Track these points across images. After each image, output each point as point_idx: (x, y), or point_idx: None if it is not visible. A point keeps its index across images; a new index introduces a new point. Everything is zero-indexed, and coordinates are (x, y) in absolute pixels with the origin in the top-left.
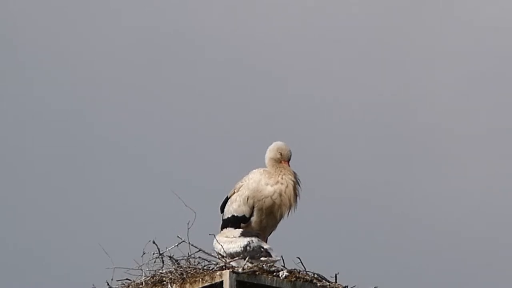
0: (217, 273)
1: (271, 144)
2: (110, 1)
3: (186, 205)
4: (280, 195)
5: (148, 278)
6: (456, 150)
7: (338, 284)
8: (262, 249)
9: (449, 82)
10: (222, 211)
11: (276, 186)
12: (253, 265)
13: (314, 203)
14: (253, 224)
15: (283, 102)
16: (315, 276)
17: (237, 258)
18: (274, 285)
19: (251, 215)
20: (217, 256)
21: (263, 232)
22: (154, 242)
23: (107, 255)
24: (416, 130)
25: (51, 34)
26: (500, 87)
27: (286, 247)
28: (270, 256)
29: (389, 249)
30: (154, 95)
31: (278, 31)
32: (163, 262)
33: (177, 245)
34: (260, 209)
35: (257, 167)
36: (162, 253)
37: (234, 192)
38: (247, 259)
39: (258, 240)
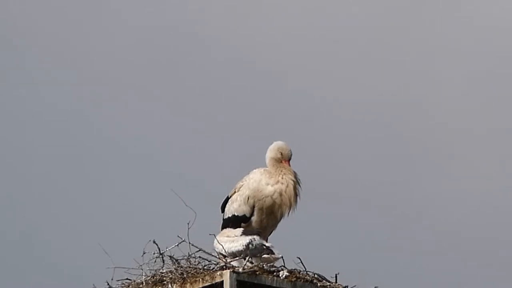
0: (218, 273)
1: (271, 143)
2: (110, 1)
3: (186, 205)
4: (281, 194)
5: (149, 278)
6: (457, 150)
7: (338, 284)
8: (264, 247)
9: (450, 81)
10: (223, 210)
11: (276, 186)
12: (253, 265)
13: (314, 203)
14: (253, 223)
15: (284, 102)
16: (315, 276)
17: (239, 257)
18: (274, 285)
19: (252, 214)
20: (217, 256)
21: (263, 232)
22: (154, 242)
23: (107, 255)
24: (416, 130)
25: (53, 35)
26: (501, 87)
27: (286, 247)
28: (273, 253)
29: (389, 249)
30: (155, 95)
31: (278, 31)
32: (163, 262)
33: (178, 245)
34: (261, 209)
35: (258, 167)
36: (163, 252)
37: (234, 192)
38: (247, 258)
39: (260, 238)
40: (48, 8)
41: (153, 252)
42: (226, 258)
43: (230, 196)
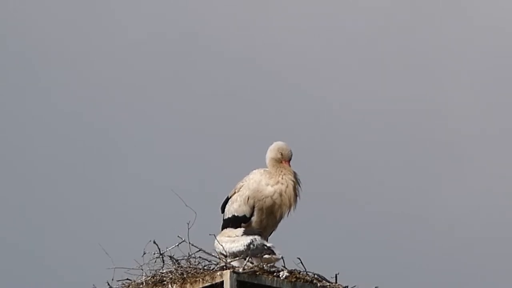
0: (218, 273)
1: (271, 144)
2: (110, 1)
3: (186, 205)
4: (280, 195)
5: (149, 278)
6: (458, 151)
7: (338, 284)
8: (266, 247)
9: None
10: (223, 211)
11: (276, 186)
12: (253, 265)
13: (314, 203)
14: (253, 224)
15: (284, 102)
16: (315, 276)
17: (240, 257)
18: (274, 285)
19: (252, 215)
20: (218, 256)
21: (263, 232)
22: (154, 242)
23: (107, 255)
24: (415, 130)
25: (54, 36)
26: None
27: (286, 248)
28: (274, 253)
29: (389, 249)
30: (155, 95)
31: (278, 31)
32: (163, 262)
33: (178, 245)
34: (261, 209)
35: (258, 167)
36: (163, 253)
37: (234, 192)
38: (247, 258)
39: (261, 239)
40: (49, 10)
41: (153, 252)
42: (227, 258)
43: (230, 197)
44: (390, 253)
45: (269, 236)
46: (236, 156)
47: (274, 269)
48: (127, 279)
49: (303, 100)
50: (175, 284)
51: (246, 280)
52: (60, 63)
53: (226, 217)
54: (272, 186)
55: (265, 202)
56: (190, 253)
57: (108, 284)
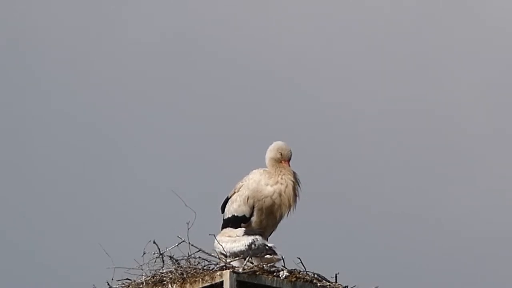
0: (217, 273)
1: (271, 143)
2: (110, 1)
3: (186, 205)
4: (280, 195)
5: (149, 278)
6: (460, 151)
7: (338, 284)
8: (267, 247)
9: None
10: (223, 211)
11: (275, 186)
12: (253, 265)
13: (314, 203)
14: (253, 224)
15: (284, 102)
16: (315, 276)
17: (241, 257)
18: (274, 285)
19: (251, 215)
20: (217, 256)
21: (263, 232)
22: (154, 242)
23: (107, 255)
24: (415, 130)
25: (58, 39)
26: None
27: (286, 248)
28: (275, 254)
29: (389, 249)
30: (155, 95)
31: (279, 31)
32: (163, 262)
33: (177, 245)
34: (260, 209)
35: (258, 167)
36: (163, 253)
37: (234, 192)
38: (247, 258)
39: (262, 238)
40: (50, 10)
41: (153, 252)
42: (227, 258)
43: (230, 197)
44: (390, 253)
45: (269, 236)
46: (236, 156)
47: (274, 269)
48: (127, 279)
49: (303, 100)
50: (175, 284)
51: (246, 280)
52: (60, 63)
53: (226, 217)
54: (271, 186)
55: (264, 202)
56: (190, 253)
57: (108, 284)
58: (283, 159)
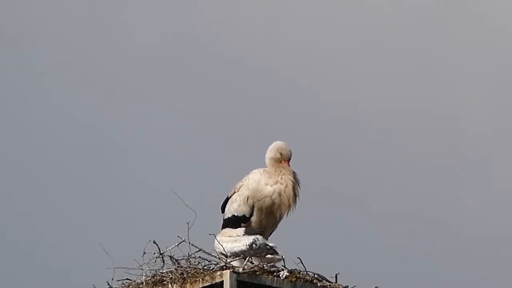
0: (218, 273)
1: (271, 143)
2: (110, 2)
3: (186, 205)
4: (280, 195)
5: (149, 278)
6: (459, 151)
7: (338, 284)
8: (268, 247)
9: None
10: (223, 211)
11: (275, 186)
12: (253, 265)
13: (314, 203)
14: (253, 223)
15: (284, 102)
16: (316, 276)
17: (242, 256)
18: (274, 285)
19: (251, 215)
20: (218, 256)
21: (264, 232)
22: (154, 242)
23: (107, 255)
24: (412, 130)
25: (56, 36)
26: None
27: (286, 248)
28: (277, 253)
29: (389, 249)
30: (155, 95)
31: (279, 31)
32: (163, 262)
33: (178, 245)
34: (260, 209)
35: (257, 167)
36: (163, 253)
37: (234, 192)
38: (247, 258)
39: (263, 238)
40: (50, 11)
41: (153, 252)
42: (227, 258)
43: (230, 196)
44: (390, 253)
45: (269, 236)
46: (236, 156)
47: (274, 269)
48: (127, 279)
49: (303, 100)
50: (175, 284)
51: (246, 280)
52: (60, 63)
53: (226, 217)
54: (271, 186)
55: (264, 202)
56: (190, 253)
57: (108, 284)
58: (283, 159)
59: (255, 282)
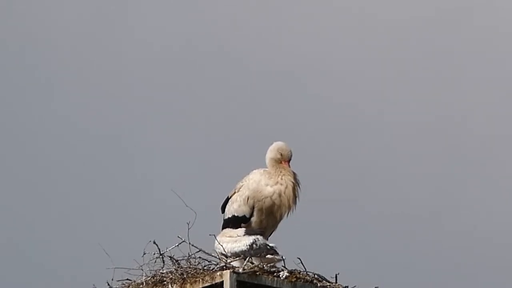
0: (218, 273)
1: (271, 144)
2: (110, 2)
3: (186, 205)
4: (280, 195)
5: (149, 278)
6: (459, 151)
7: (338, 284)
8: (268, 247)
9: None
10: (223, 211)
11: (275, 187)
12: (253, 265)
13: (314, 203)
14: (253, 224)
15: (284, 102)
16: (316, 276)
17: (242, 257)
18: (274, 286)
19: (251, 215)
20: (218, 256)
21: (264, 232)
22: (154, 242)
23: (107, 255)
24: (413, 129)
25: (57, 37)
26: None
27: (286, 248)
28: (277, 253)
29: (389, 249)
30: (155, 95)
31: (279, 31)
32: (163, 262)
33: (178, 245)
34: (260, 209)
35: (258, 167)
36: (163, 253)
37: (234, 192)
38: (247, 258)
39: (263, 238)
40: (51, 11)
41: (153, 253)
42: (228, 258)
43: (230, 197)
44: (390, 253)
45: (269, 236)
46: (236, 156)
47: (274, 269)
48: (127, 279)
49: (303, 100)
50: (175, 284)
51: (246, 280)
52: (60, 63)
53: (226, 217)
54: (271, 186)
55: (264, 202)
56: (190, 253)
57: (108, 284)
58: (283, 159)
59: (255, 282)
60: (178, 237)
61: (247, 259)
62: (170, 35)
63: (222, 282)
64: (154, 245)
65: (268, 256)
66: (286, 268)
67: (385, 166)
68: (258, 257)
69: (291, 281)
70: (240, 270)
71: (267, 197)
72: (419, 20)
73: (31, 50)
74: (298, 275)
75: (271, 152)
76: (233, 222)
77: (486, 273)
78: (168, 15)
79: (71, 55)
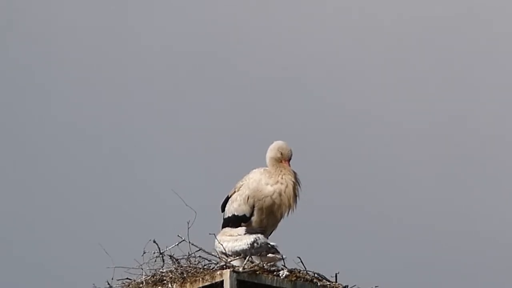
0: (218, 272)
1: (271, 143)
2: (110, 2)
3: (186, 205)
4: (280, 195)
5: (149, 277)
6: (459, 151)
7: (338, 284)
8: (269, 246)
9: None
10: (223, 210)
11: (276, 186)
12: (253, 264)
13: (314, 203)
14: (253, 223)
15: (284, 102)
16: (316, 275)
17: (243, 255)
18: (274, 285)
19: (252, 214)
20: (218, 255)
21: (264, 231)
22: (154, 241)
23: (107, 255)
24: (414, 130)
25: (57, 37)
26: None
27: (286, 247)
28: (278, 252)
29: (389, 249)
30: (154, 96)
31: (279, 31)
32: (163, 261)
33: (178, 244)
34: (260, 209)
35: (258, 167)
36: (163, 252)
37: (234, 191)
38: (247, 258)
39: (264, 237)
40: (51, 11)
41: (153, 252)
42: (228, 257)
43: (230, 196)
44: (390, 253)
45: (269, 235)
46: (236, 155)
47: (274, 268)
48: (127, 278)
49: (303, 100)
50: (175, 284)
51: (246, 279)
52: (60, 63)
53: (226, 216)
54: (271, 185)
55: (264, 201)
56: (190, 253)
57: (108, 284)
58: (284, 158)
59: (255, 281)
60: (178, 236)
61: (247, 258)
62: (170, 35)
63: (222, 281)
64: (154, 244)
65: (269, 255)
66: (286, 267)
67: (385, 166)
68: (258, 256)
69: (291, 280)
70: (240, 269)
71: (267, 196)
72: (419, 20)
73: (31, 50)
74: (298, 274)
75: (271, 151)
76: (233, 221)
77: (486, 273)
78: (168, 15)
79: (71, 55)
